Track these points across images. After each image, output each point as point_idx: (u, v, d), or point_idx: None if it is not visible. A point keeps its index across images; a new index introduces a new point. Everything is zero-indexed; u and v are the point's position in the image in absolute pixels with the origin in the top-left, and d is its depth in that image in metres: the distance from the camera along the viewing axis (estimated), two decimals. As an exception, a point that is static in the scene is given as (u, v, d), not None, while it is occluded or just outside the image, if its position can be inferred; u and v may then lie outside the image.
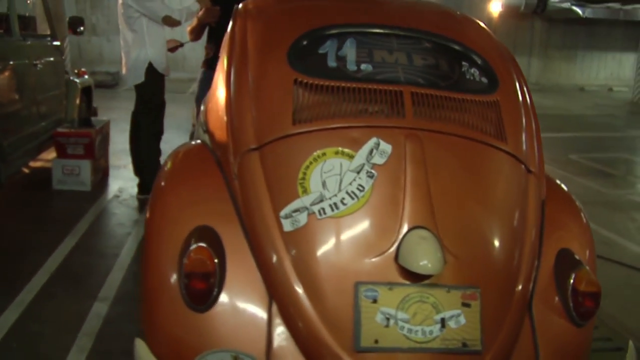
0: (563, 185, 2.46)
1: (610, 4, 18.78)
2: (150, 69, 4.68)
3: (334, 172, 1.92)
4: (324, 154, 1.95)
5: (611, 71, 21.79)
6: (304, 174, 1.93)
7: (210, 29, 4.99)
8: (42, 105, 5.15)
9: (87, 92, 6.45)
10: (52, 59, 5.33)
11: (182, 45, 5.13)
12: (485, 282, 1.90)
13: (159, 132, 4.95)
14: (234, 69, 2.32)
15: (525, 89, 2.44)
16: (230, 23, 2.69)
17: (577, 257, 2.12)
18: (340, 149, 1.95)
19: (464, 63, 2.40)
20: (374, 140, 1.96)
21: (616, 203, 6.25)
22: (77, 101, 6.01)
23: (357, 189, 1.89)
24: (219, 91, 2.43)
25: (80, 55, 15.77)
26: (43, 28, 5.59)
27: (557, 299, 2.05)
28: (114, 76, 14.40)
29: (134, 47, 4.65)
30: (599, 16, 19.40)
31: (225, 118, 2.22)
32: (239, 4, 2.84)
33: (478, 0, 8.23)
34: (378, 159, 1.93)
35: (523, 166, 2.17)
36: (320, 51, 2.27)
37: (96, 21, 16.77)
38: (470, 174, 2.07)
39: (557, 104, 15.00)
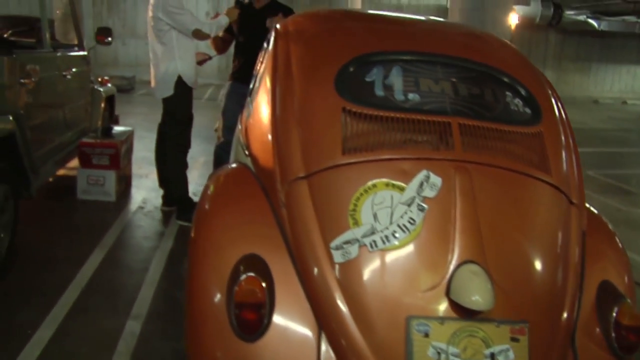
0: (594, 209, 2.46)
1: (626, 17, 18.73)
2: (179, 82, 4.67)
3: (385, 205, 1.92)
4: (374, 186, 1.95)
5: (625, 84, 21.72)
6: (355, 205, 1.93)
7: (237, 43, 5.01)
8: (70, 116, 5.17)
9: (109, 100, 6.50)
10: (79, 69, 5.36)
11: (210, 58, 5.14)
12: (533, 316, 1.91)
13: (185, 145, 4.92)
14: (279, 92, 2.33)
15: (566, 118, 2.45)
16: (271, 43, 2.70)
17: (618, 289, 2.13)
18: (390, 181, 1.96)
19: (507, 93, 2.40)
20: (424, 172, 1.96)
21: (637, 222, 6.20)
22: (102, 110, 6.05)
23: (409, 222, 1.90)
24: (263, 114, 2.43)
25: (96, 59, 15.76)
26: (70, 37, 5.62)
27: (599, 332, 2.05)
28: (129, 80, 14.41)
29: (164, 60, 4.65)
30: (614, 29, 19.35)
31: (270, 143, 2.22)
32: (268, 20, 2.87)
33: (498, 13, 8.25)
34: (429, 192, 1.93)
35: (566, 198, 2.18)
36: (367, 79, 2.28)
37: (112, 24, 16.81)
38: (516, 207, 2.08)
39: (571, 116, 14.51)
